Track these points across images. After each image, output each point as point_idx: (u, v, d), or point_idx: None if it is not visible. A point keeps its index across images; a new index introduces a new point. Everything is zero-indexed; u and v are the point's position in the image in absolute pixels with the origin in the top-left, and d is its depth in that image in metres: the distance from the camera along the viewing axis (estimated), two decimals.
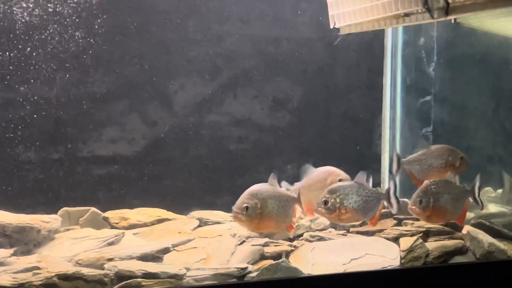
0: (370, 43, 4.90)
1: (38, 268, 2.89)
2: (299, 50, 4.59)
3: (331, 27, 4.15)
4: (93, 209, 3.91)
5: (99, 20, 3.97)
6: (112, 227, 3.81)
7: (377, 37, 4.91)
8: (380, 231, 3.80)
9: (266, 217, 3.31)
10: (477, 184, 3.73)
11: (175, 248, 3.38)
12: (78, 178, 4.04)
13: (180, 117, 4.25)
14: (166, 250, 3.31)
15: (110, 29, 4.02)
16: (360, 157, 4.42)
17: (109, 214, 3.90)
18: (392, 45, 5.04)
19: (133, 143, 4.13)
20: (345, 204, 3.47)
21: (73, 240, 3.43)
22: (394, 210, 3.59)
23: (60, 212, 3.82)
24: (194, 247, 3.42)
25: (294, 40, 4.56)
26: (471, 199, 3.75)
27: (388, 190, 3.58)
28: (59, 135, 3.93)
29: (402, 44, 5.04)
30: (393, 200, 3.57)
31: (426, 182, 3.70)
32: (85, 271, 2.85)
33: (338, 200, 3.47)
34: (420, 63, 4.94)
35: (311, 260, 3.37)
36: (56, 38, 3.86)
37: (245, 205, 3.27)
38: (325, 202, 3.45)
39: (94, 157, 4.06)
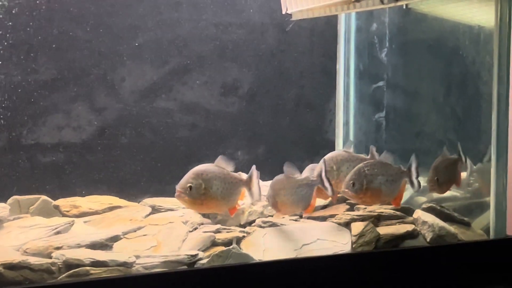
0: (323, 29, 4.90)
1: None
2: (252, 35, 4.57)
3: (283, 12, 4.15)
4: (44, 197, 3.86)
5: (44, 5, 3.91)
6: (63, 215, 3.75)
7: (330, 23, 4.92)
8: (332, 216, 3.81)
9: (210, 198, 3.29)
10: (414, 165, 3.68)
11: (125, 235, 3.34)
12: (29, 166, 3.99)
13: (129, 103, 4.21)
14: (116, 238, 3.27)
15: (56, 13, 3.96)
16: (312, 142, 4.42)
17: (60, 202, 3.85)
18: (345, 31, 5.06)
19: (82, 130, 4.09)
20: (276, 200, 3.49)
21: (22, 228, 3.37)
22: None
23: (9, 200, 3.77)
24: (145, 235, 3.38)
25: (246, 25, 4.54)
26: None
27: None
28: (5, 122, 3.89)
29: (355, 30, 5.06)
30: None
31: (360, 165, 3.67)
32: (32, 260, 2.81)
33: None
34: (373, 49, 4.96)
35: (263, 246, 3.38)
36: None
37: (188, 184, 3.25)
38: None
39: (44, 144, 4.02)
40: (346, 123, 5.05)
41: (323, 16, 4.18)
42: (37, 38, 3.91)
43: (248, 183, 3.47)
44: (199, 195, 3.27)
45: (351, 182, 3.55)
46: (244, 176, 3.50)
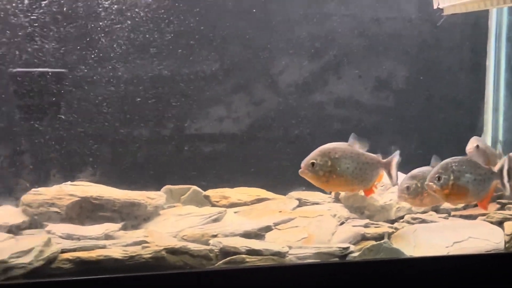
0: (474, 24, 4.80)
1: (146, 242, 2.95)
2: (402, 30, 4.55)
3: (435, 7, 4.09)
4: (194, 187, 3.99)
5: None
6: (213, 205, 3.87)
7: (481, 18, 4.81)
8: (483, 214, 3.73)
9: (338, 177, 3.28)
10: (506, 167, 3.39)
11: (276, 226, 3.41)
12: (179, 156, 4.13)
13: (284, 96, 4.29)
14: (268, 228, 3.34)
15: (216, 8, 4.11)
16: (461, 139, 4.33)
17: (209, 192, 3.97)
18: (496, 26, 4.92)
19: (238, 121, 4.20)
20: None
21: (177, 216, 3.52)
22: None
23: (163, 189, 3.92)
24: (296, 226, 3.44)
25: (396, 20, 4.52)
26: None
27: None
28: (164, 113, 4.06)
29: (507, 25, 4.92)
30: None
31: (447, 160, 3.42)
32: (191, 246, 2.91)
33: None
34: None
35: (413, 242, 3.34)
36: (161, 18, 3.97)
37: (311, 161, 3.26)
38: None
39: (194, 135, 4.16)
40: (496, 120, 4.92)
41: (475, 11, 4.08)
42: (199, 32, 4.06)
43: (387, 165, 3.43)
44: (324, 172, 3.27)
45: (437, 175, 3.32)
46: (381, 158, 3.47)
